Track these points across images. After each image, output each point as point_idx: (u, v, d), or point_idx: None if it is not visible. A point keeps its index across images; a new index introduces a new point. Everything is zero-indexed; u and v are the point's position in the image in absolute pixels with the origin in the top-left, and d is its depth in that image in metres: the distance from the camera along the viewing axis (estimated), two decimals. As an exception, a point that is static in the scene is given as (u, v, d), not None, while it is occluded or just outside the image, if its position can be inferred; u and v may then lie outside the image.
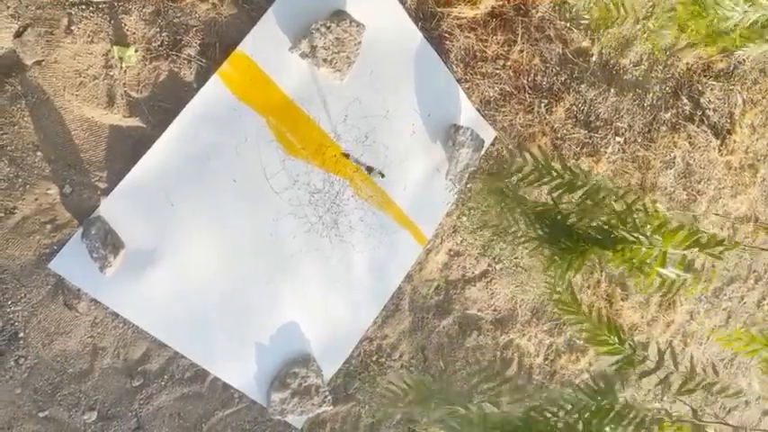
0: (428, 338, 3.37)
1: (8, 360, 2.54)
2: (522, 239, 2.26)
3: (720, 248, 1.94)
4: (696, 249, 1.93)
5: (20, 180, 2.48)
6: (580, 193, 2.11)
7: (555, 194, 2.15)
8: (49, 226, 2.54)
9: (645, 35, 3.58)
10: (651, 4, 3.53)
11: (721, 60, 3.88)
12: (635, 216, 2.01)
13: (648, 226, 1.98)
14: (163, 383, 2.81)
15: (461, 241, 3.36)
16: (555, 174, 2.15)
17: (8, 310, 2.52)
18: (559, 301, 2.31)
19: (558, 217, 2.13)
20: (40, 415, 2.61)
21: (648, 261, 1.96)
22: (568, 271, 2.07)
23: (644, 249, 1.95)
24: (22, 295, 2.54)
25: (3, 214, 2.48)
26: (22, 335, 2.56)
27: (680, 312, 4.17)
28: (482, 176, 3.34)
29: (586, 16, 3.26)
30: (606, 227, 2.02)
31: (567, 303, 2.24)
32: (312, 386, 3.00)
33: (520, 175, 2.19)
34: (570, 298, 2.24)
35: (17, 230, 2.50)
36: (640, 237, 1.95)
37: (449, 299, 3.39)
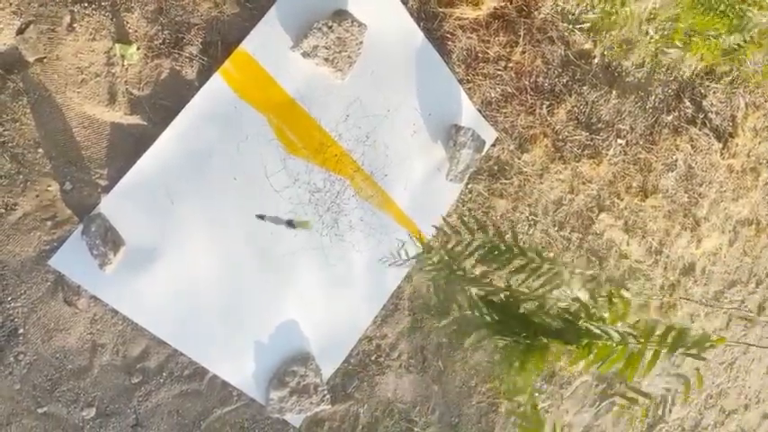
0: (427, 338, 3.37)
1: (7, 356, 2.55)
2: (464, 327, 1.85)
3: (706, 346, 1.57)
4: (682, 350, 1.57)
5: (21, 176, 2.49)
6: (535, 277, 1.74)
7: (504, 276, 1.79)
8: (49, 223, 2.55)
9: (649, 42, 3.56)
10: (654, 6, 3.52)
11: (724, 63, 3.87)
12: (599, 306, 1.65)
13: (620, 323, 1.62)
14: (162, 381, 2.82)
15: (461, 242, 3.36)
16: (504, 250, 1.81)
17: (8, 306, 2.53)
18: (519, 413, 1.80)
19: (510, 299, 1.76)
20: (39, 411, 2.62)
21: (620, 362, 1.58)
22: (524, 373, 1.68)
23: (615, 346, 1.57)
24: (22, 291, 2.55)
25: (3, 210, 2.49)
26: (21, 331, 2.56)
27: (680, 316, 4.16)
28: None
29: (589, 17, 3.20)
30: (568, 316, 1.66)
31: (526, 417, 1.73)
32: (311, 385, 3.00)
33: (467, 252, 1.81)
34: (532, 412, 1.76)
35: (17, 227, 2.51)
36: (610, 331, 1.59)
37: (449, 298, 3.39)
